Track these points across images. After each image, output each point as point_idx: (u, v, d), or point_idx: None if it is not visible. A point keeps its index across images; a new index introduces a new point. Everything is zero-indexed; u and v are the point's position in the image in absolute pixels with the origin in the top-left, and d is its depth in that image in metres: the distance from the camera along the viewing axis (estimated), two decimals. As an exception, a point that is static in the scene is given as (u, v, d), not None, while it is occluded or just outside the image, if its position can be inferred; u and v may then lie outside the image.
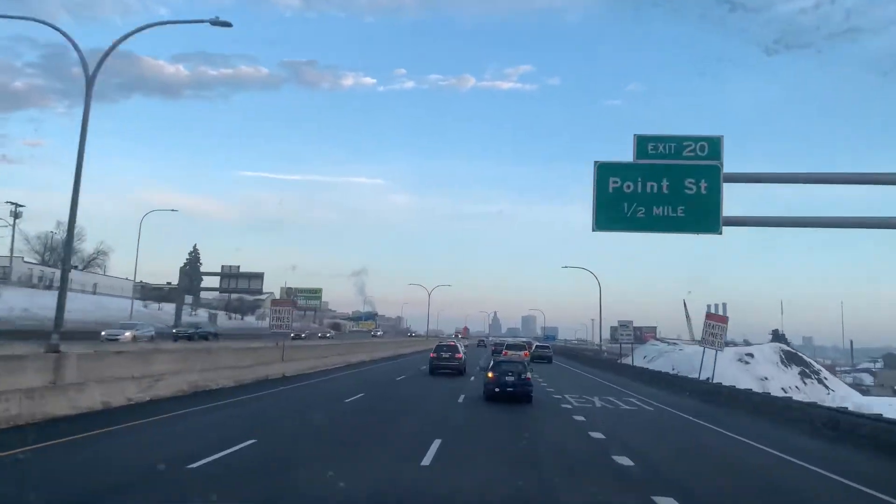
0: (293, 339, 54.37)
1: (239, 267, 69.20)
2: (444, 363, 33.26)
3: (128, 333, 35.79)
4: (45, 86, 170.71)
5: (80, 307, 53.52)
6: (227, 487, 8.64)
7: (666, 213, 16.27)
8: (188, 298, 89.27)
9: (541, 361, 53.31)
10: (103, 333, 34.70)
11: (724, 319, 31.87)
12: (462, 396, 22.13)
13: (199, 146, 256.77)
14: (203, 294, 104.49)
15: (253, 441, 11.73)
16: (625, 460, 11.50)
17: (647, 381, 36.86)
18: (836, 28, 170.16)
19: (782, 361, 68.53)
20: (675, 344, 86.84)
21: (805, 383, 64.74)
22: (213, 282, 69.22)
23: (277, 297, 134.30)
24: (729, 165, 16.43)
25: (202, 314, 75.45)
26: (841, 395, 61.09)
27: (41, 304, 47.82)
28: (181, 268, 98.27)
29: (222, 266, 67.60)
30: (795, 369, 66.50)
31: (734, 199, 17.43)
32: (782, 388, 65.20)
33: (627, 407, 22.27)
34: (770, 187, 24.05)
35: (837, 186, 17.49)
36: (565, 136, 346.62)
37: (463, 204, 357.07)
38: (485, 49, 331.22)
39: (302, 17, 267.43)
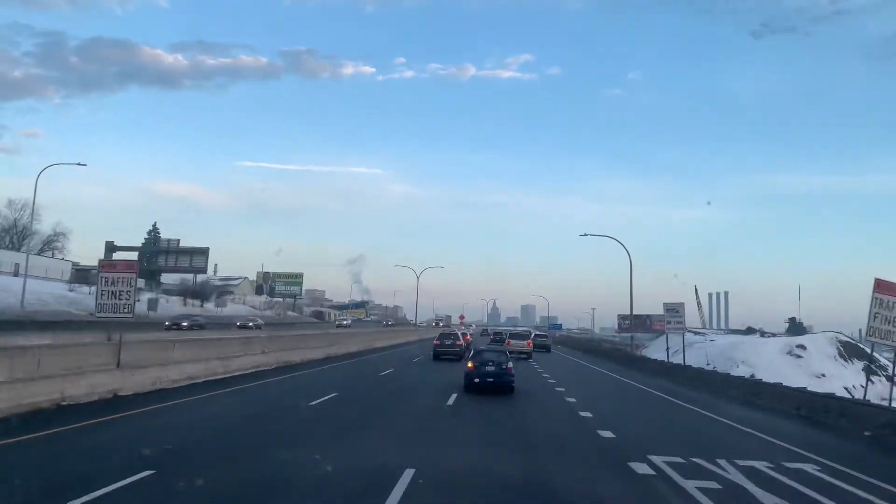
0: (173, 328, 43.47)
1: (179, 241, 57.10)
2: (446, 349, 37.46)
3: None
4: (42, 75, 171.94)
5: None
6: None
7: None
8: (140, 282, 77.20)
9: (540, 350, 51.44)
10: None
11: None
12: (453, 396, 18.55)
13: (197, 136, 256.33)
14: (168, 277, 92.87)
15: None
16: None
17: (718, 388, 25.07)
18: (822, 11, 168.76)
19: (840, 354, 57.33)
20: (701, 333, 75.48)
21: (872, 381, 53.09)
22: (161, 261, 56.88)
23: (254, 281, 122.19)
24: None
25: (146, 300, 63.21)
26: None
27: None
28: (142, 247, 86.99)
29: (159, 238, 55.46)
30: (858, 364, 55.06)
31: None
32: (845, 388, 54.01)
33: None
34: None
35: None
36: (565, 126, 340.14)
37: (462, 193, 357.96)
38: (485, 38, 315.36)
39: (301, 6, 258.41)
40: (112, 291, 15.85)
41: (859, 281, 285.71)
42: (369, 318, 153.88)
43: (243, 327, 61.64)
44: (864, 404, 16.82)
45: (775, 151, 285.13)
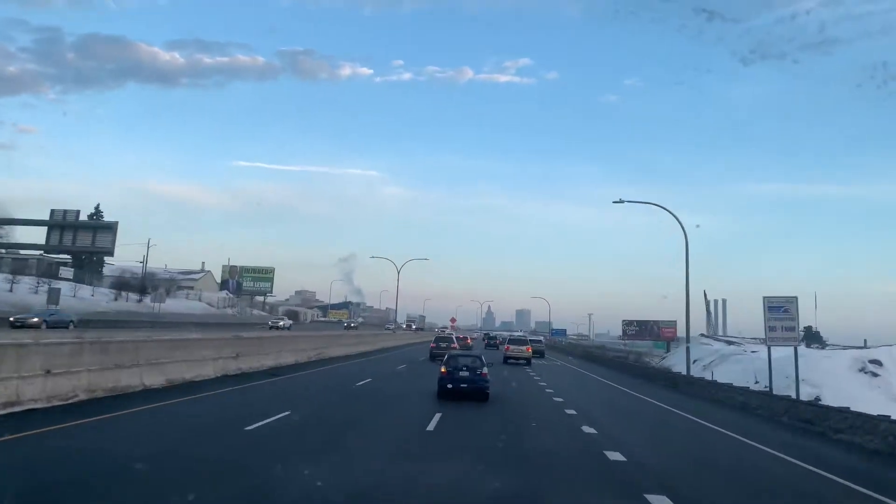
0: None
1: (79, 213, 44.72)
2: (442, 351, 36.41)
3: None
4: (38, 71, 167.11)
5: None
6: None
7: None
8: (70, 272, 65.02)
9: (534, 356, 47.56)
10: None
11: None
12: (436, 418, 14.69)
13: (193, 135, 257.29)
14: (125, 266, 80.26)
15: None
16: None
17: None
18: (811, 39, 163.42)
19: (925, 373, 46.08)
20: (735, 343, 63.86)
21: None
22: (38, 235, 43.95)
23: (218, 276, 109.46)
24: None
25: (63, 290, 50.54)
26: None
27: None
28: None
29: (52, 211, 43.17)
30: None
31: None
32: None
33: None
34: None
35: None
36: (562, 131, 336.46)
37: (457, 197, 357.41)
38: (484, 41, 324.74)
39: (299, 6, 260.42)
40: None
41: (863, 291, 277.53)
42: (358, 320, 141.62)
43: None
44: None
45: (767, 161, 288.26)
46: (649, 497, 8.47)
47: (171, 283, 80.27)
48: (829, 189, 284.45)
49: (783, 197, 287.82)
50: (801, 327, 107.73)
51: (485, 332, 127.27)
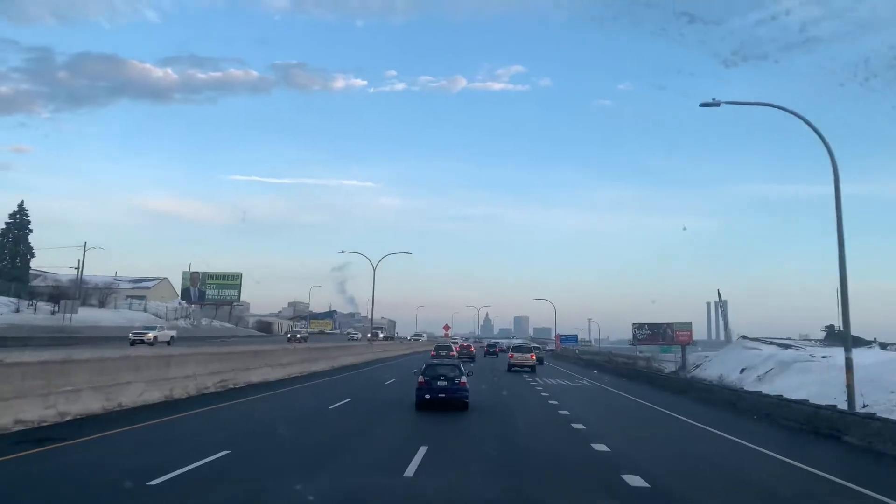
0: None
1: None
2: (441, 358, 36.19)
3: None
4: (30, 90, 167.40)
5: None
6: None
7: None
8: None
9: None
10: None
11: None
12: (421, 452, 11.52)
13: (188, 150, 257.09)
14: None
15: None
16: None
17: None
18: (793, 39, 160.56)
19: None
20: (793, 346, 51.92)
21: None
22: None
23: (179, 284, 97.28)
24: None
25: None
26: None
27: None
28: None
29: None
30: None
31: None
32: None
33: None
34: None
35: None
36: (556, 137, 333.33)
37: (453, 205, 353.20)
38: (476, 50, 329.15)
39: (291, 20, 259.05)
40: None
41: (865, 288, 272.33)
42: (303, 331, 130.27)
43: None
44: None
45: (759, 163, 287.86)
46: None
47: (107, 293, 68.14)
48: (817, 188, 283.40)
49: (775, 196, 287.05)
50: (823, 326, 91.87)
51: (490, 340, 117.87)
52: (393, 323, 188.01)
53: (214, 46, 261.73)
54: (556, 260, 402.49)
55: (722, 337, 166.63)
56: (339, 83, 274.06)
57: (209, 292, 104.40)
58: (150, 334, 42.40)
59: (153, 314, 71.53)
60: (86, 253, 64.30)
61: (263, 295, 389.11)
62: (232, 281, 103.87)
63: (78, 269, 67.37)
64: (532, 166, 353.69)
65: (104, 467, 9.96)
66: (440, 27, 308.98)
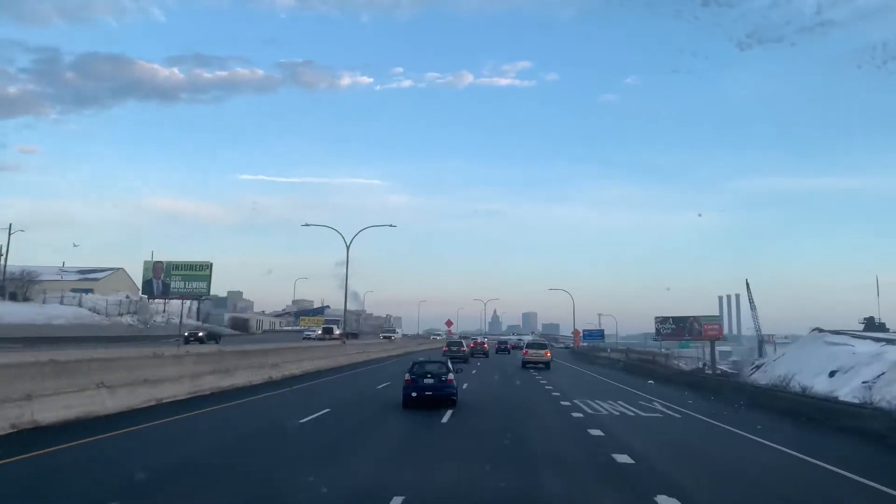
0: None
1: None
2: (453, 353, 43.64)
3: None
4: (38, 91, 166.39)
5: None
6: None
7: None
8: None
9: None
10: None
11: None
12: None
13: (196, 150, 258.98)
14: None
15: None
16: None
17: None
18: (808, 22, 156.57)
19: None
20: (873, 339, 38.89)
21: None
22: None
23: (139, 275, 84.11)
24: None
25: None
26: None
27: None
28: None
29: None
30: None
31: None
32: None
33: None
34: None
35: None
36: (564, 131, 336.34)
37: (461, 202, 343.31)
38: (483, 46, 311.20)
39: (297, 18, 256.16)
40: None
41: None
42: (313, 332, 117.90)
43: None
44: None
45: (773, 155, 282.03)
46: None
47: (26, 283, 56.03)
48: (829, 180, 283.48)
49: (787, 189, 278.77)
50: (862, 318, 78.80)
51: (493, 338, 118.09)
52: (399, 319, 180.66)
53: (220, 45, 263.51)
54: (565, 256, 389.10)
55: (742, 332, 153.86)
56: (346, 81, 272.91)
57: (174, 284, 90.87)
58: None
59: (90, 309, 59.14)
60: (11, 238, 52.41)
61: (271, 293, 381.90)
62: (200, 271, 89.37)
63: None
64: (540, 161, 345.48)
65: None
66: (446, 22, 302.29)
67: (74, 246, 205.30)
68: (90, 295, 66.32)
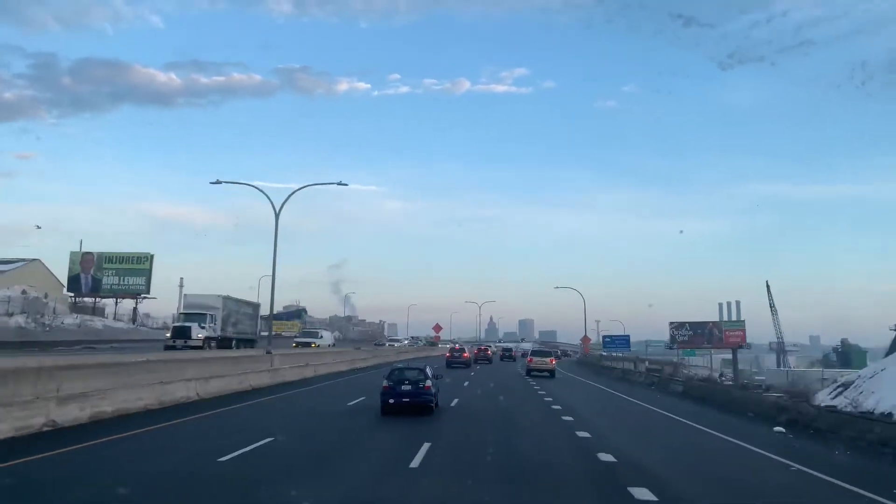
0: None
1: None
2: (456, 359, 50.28)
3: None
4: (35, 96, 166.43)
5: None
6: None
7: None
8: None
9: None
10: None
11: None
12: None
13: (191, 155, 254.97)
14: None
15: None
16: None
17: None
18: (788, 42, 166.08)
19: None
20: None
21: None
22: None
23: (64, 268, 71.66)
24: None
25: None
26: None
27: None
28: None
29: None
30: None
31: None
32: None
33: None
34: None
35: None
36: (561, 138, 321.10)
37: (458, 208, 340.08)
38: (480, 52, 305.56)
39: (295, 23, 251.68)
40: None
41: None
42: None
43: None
44: None
45: (767, 163, 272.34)
46: None
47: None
48: (818, 189, 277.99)
49: (780, 198, 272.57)
50: (892, 325, 64.79)
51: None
52: (394, 326, 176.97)
53: (217, 51, 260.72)
54: (563, 261, 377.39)
55: (747, 339, 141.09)
56: (343, 86, 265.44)
57: (107, 279, 77.53)
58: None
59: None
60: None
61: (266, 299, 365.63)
62: (139, 265, 77.06)
63: None
64: (537, 168, 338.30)
65: None
66: (443, 29, 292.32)
67: (38, 228, 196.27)
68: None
